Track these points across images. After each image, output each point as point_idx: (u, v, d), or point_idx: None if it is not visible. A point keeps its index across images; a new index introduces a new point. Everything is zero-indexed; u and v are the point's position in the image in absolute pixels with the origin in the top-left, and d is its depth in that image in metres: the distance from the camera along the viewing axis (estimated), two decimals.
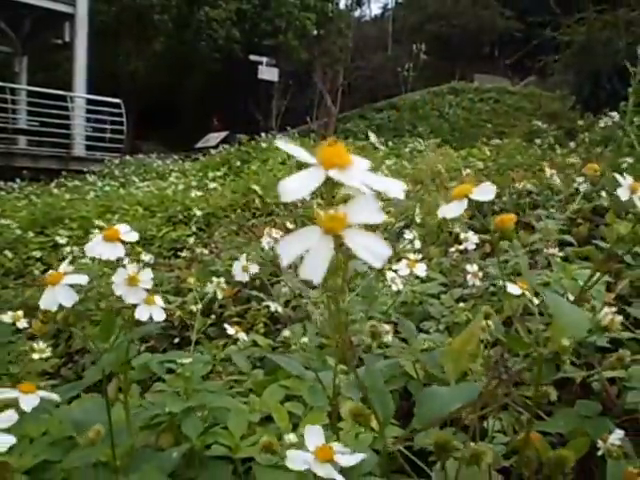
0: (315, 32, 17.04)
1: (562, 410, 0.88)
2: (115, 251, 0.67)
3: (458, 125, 14.47)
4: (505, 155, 4.79)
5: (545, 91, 15.37)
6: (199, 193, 4.99)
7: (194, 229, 4.12)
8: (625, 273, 1.37)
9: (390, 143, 7.44)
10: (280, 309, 1.52)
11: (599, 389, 1.05)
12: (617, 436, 0.64)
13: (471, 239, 1.47)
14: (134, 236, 0.71)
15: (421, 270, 0.96)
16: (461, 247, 1.48)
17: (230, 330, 1.14)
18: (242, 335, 1.14)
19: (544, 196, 2.58)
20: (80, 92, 13.07)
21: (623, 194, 1.02)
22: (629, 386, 0.91)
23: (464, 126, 14.36)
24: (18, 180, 8.03)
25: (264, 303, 1.60)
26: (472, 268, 1.42)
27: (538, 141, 4.50)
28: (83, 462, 0.64)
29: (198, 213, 3.21)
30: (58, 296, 0.63)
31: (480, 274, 1.42)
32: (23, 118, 12.76)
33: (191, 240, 3.26)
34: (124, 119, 12.70)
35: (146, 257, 2.34)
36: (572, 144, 4.09)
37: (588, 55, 12.23)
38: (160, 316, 0.72)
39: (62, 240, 2.68)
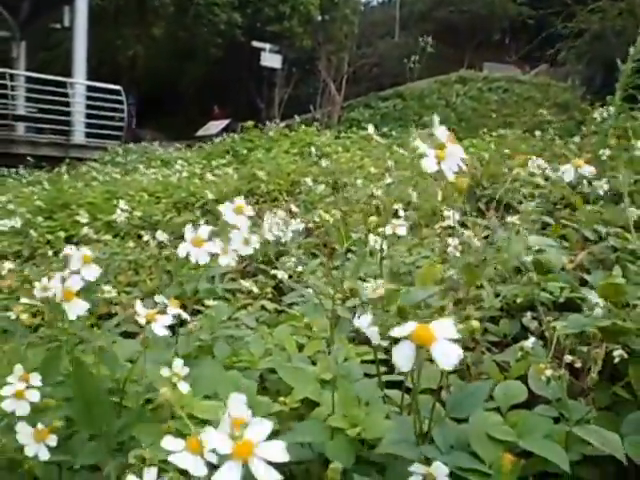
0: (320, 18, 17.23)
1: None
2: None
3: (465, 115, 14.69)
4: (508, 145, 5.04)
5: (556, 81, 15.56)
6: (203, 180, 5.27)
7: (198, 214, 4.41)
8: (586, 246, 1.65)
9: (394, 133, 7.70)
10: (286, 276, 1.80)
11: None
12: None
13: (453, 216, 1.75)
14: None
15: (402, 230, 1.23)
16: (444, 224, 1.75)
17: (245, 284, 1.42)
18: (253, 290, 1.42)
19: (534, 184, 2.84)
20: (80, 78, 13.32)
21: (567, 175, 1.29)
22: None
23: (471, 116, 14.57)
24: (21, 167, 8.33)
25: (272, 272, 1.88)
26: (454, 242, 1.70)
27: (539, 133, 4.74)
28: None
29: (209, 196, 3.49)
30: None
31: (460, 247, 1.69)
32: (22, 104, 13.02)
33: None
34: (125, 106, 12.96)
35: (162, 237, 2.63)
36: (576, 138, 4.33)
37: (601, 44, 12.40)
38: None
39: (83, 220, 2.99)
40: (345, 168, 4.72)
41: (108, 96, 12.94)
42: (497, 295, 1.48)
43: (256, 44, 16.19)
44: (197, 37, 17.44)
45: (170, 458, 0.59)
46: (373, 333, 0.80)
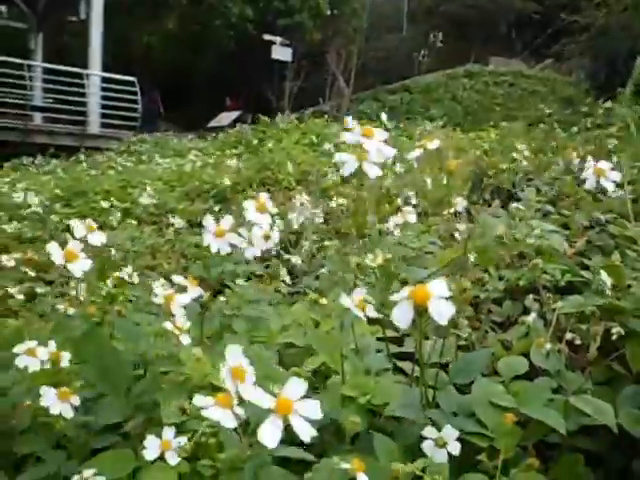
0: (329, 12, 17.15)
1: None
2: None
3: (471, 108, 14.65)
4: (512, 137, 5.06)
5: (561, 75, 15.47)
6: (217, 169, 5.32)
7: (211, 202, 4.47)
8: (585, 233, 1.68)
9: (401, 125, 7.71)
10: (300, 261, 1.85)
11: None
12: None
13: (460, 203, 1.79)
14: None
15: (412, 218, 1.28)
16: (452, 210, 1.79)
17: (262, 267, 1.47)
18: None
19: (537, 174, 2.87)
20: (95, 70, 13.38)
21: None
22: None
23: (477, 110, 14.53)
24: (39, 156, 8.41)
25: (286, 256, 1.93)
26: (461, 227, 1.74)
27: (542, 125, 4.76)
28: None
29: (227, 182, 3.54)
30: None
31: (466, 233, 1.73)
32: (39, 95, 13.10)
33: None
34: (139, 97, 13.01)
35: (178, 223, 2.68)
36: (574, 129, 4.35)
37: (606, 39, 12.29)
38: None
39: (105, 205, 3.07)
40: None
41: (122, 87, 13.00)
42: (501, 278, 1.52)
43: (267, 37, 16.16)
44: (209, 30, 17.41)
45: (203, 412, 0.64)
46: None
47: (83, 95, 12.97)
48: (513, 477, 0.81)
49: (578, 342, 1.07)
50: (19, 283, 2.17)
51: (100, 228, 3.18)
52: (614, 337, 1.05)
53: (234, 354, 0.65)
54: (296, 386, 0.61)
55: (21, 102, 12.41)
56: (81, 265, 0.89)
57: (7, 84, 11.90)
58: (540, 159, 3.31)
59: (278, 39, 16.00)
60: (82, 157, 8.21)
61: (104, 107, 13.15)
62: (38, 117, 13.20)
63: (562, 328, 1.21)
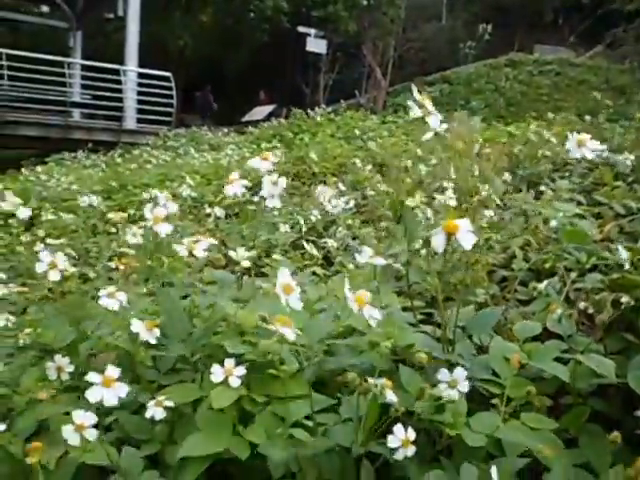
0: (365, 2, 17.21)
1: None
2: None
3: (515, 100, 14.49)
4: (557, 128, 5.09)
5: (613, 63, 15.13)
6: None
7: (247, 195, 4.67)
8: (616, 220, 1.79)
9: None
10: (335, 245, 2.01)
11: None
12: None
13: (495, 191, 1.92)
14: None
15: (452, 202, 1.44)
16: (478, 197, 1.93)
17: (307, 246, 1.65)
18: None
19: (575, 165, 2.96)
20: (132, 65, 13.82)
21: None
22: None
23: (521, 101, 14.37)
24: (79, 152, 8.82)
25: (322, 240, 2.09)
26: (489, 212, 1.88)
27: (589, 117, 4.75)
28: None
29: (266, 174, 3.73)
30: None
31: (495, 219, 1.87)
32: (77, 92, 13.63)
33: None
34: (174, 92, 13.39)
35: (219, 212, 2.88)
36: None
37: None
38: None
39: (147, 195, 3.30)
40: (390, 151, 4.89)
41: (158, 82, 13.39)
42: (527, 260, 1.65)
43: (301, 29, 16.35)
44: (243, 24, 17.71)
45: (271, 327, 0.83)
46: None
47: (120, 91, 13.43)
48: (522, 418, 0.96)
49: (591, 311, 1.20)
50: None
51: (140, 220, 3.44)
52: (623, 306, 1.17)
53: (284, 274, 0.86)
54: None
55: (61, 99, 12.96)
56: (166, 228, 1.11)
57: (49, 82, 12.46)
58: None
59: (312, 31, 16.16)
60: (120, 152, 8.58)
61: (140, 102, 13.58)
62: (77, 113, 13.74)
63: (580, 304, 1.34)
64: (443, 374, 0.92)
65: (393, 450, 0.87)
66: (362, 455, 0.93)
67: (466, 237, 0.89)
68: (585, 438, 1.07)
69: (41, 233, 3.38)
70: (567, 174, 2.74)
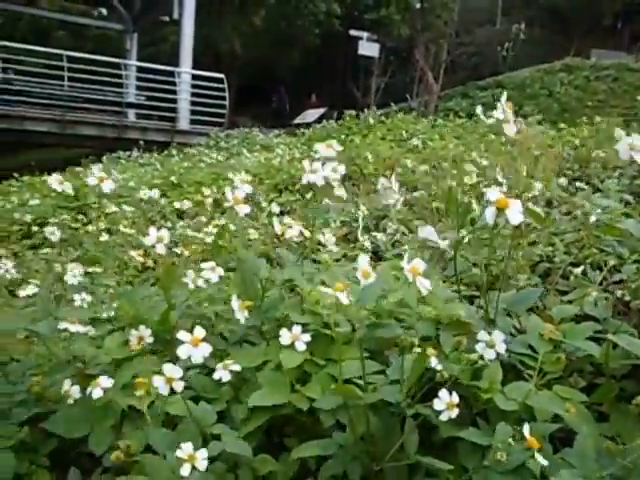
0: (418, 5, 17.25)
1: None
2: None
3: (569, 105, 14.26)
4: (606, 133, 5.07)
5: None
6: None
7: (298, 195, 4.85)
8: None
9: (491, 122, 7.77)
10: (385, 239, 2.14)
11: None
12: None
13: (538, 188, 2.02)
14: None
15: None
16: (530, 195, 2.03)
17: (361, 238, 1.79)
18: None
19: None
20: (186, 67, 14.28)
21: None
22: None
23: (576, 107, 14.12)
24: (135, 150, 9.22)
25: (373, 233, 2.22)
26: (538, 209, 1.97)
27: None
28: None
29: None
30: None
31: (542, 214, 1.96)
32: (132, 92, 14.17)
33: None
34: (227, 94, 13.75)
35: (276, 209, 3.05)
36: None
37: None
38: None
39: (207, 192, 3.50)
40: (441, 154, 4.97)
41: (211, 84, 13.78)
42: (568, 254, 1.74)
43: (354, 33, 16.49)
44: (296, 27, 18.01)
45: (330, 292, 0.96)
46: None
47: (174, 92, 13.88)
48: (555, 389, 1.07)
49: (627, 298, 1.29)
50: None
51: (195, 217, 3.65)
52: None
53: (363, 260, 1.01)
54: None
55: (117, 100, 13.51)
56: (245, 209, 1.27)
57: (106, 83, 13.03)
58: None
59: (365, 34, 16.29)
60: (174, 151, 8.92)
61: (193, 104, 14.00)
62: (131, 114, 14.28)
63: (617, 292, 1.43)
64: (482, 334, 1.03)
65: (438, 412, 0.98)
66: (406, 415, 1.05)
67: (515, 214, 0.99)
68: (616, 414, 1.16)
69: (102, 225, 3.64)
70: (617, 175, 2.79)
